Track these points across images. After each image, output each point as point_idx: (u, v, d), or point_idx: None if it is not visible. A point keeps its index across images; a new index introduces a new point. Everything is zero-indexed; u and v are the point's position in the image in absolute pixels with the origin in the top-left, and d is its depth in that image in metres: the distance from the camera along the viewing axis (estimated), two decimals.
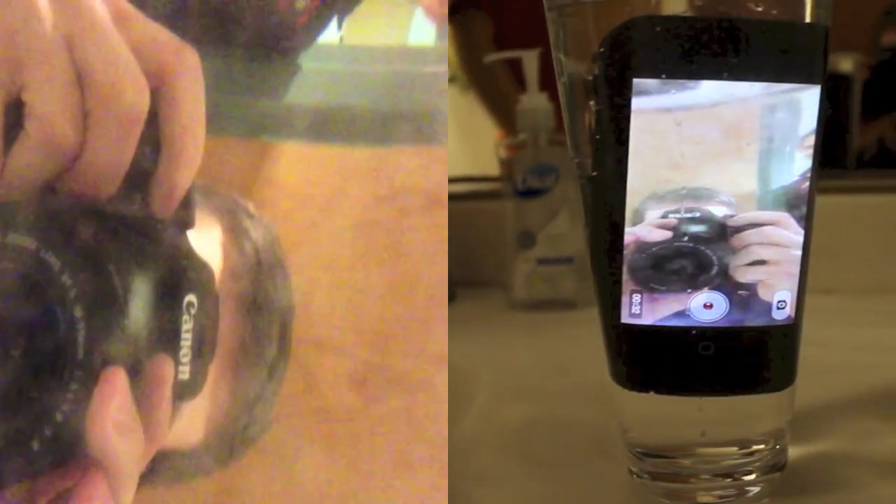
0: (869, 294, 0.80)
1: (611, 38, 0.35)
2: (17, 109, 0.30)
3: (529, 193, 0.81)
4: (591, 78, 0.36)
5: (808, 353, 0.41)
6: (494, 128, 1.01)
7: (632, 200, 0.36)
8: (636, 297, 0.38)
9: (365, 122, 0.57)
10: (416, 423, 0.48)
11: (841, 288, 0.79)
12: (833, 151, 0.93)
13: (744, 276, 0.37)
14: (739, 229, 0.37)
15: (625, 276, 0.37)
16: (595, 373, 0.42)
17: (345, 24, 0.62)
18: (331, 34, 0.62)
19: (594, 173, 0.38)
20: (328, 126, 0.57)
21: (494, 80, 0.98)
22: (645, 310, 0.38)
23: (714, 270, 0.37)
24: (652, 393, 0.39)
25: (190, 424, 0.41)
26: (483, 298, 0.86)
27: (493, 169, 0.84)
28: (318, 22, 0.61)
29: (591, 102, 0.37)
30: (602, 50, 0.35)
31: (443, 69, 0.62)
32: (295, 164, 0.55)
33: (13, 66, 0.30)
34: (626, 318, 0.38)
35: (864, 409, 0.50)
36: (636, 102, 0.35)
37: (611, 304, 0.38)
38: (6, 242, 0.30)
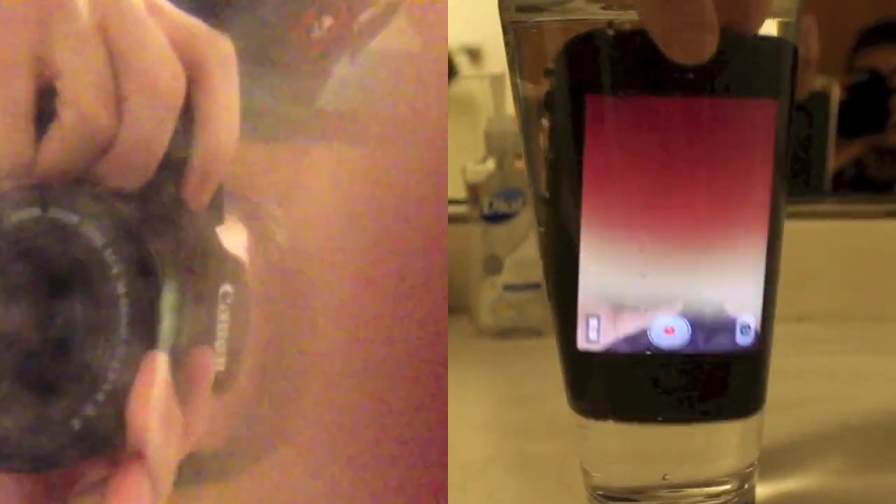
0: (842, 321, 0.78)
1: (565, 51, 0.34)
2: (50, 98, 0.30)
3: (496, 218, 0.80)
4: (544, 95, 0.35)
5: (778, 383, 0.39)
6: (459, 151, 1.00)
7: None
8: (593, 322, 0.36)
9: (364, 123, 0.57)
10: (416, 423, 0.48)
11: (813, 315, 0.78)
12: (810, 176, 0.93)
13: (707, 297, 0.36)
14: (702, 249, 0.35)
15: (581, 300, 0.36)
16: (561, 404, 0.40)
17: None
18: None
19: (547, 194, 0.36)
20: (328, 126, 0.57)
21: None
22: (603, 335, 0.36)
23: (674, 292, 0.35)
24: (611, 421, 0.37)
25: (214, 424, 0.40)
26: (448, 325, 0.84)
27: (459, 192, 0.83)
28: (330, 54, 0.61)
29: (544, 120, 0.35)
30: (555, 65, 0.34)
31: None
32: (294, 164, 0.55)
33: (46, 53, 0.30)
34: (582, 344, 0.36)
35: (837, 443, 0.49)
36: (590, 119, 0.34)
37: (567, 329, 0.37)
38: (48, 217, 0.30)
